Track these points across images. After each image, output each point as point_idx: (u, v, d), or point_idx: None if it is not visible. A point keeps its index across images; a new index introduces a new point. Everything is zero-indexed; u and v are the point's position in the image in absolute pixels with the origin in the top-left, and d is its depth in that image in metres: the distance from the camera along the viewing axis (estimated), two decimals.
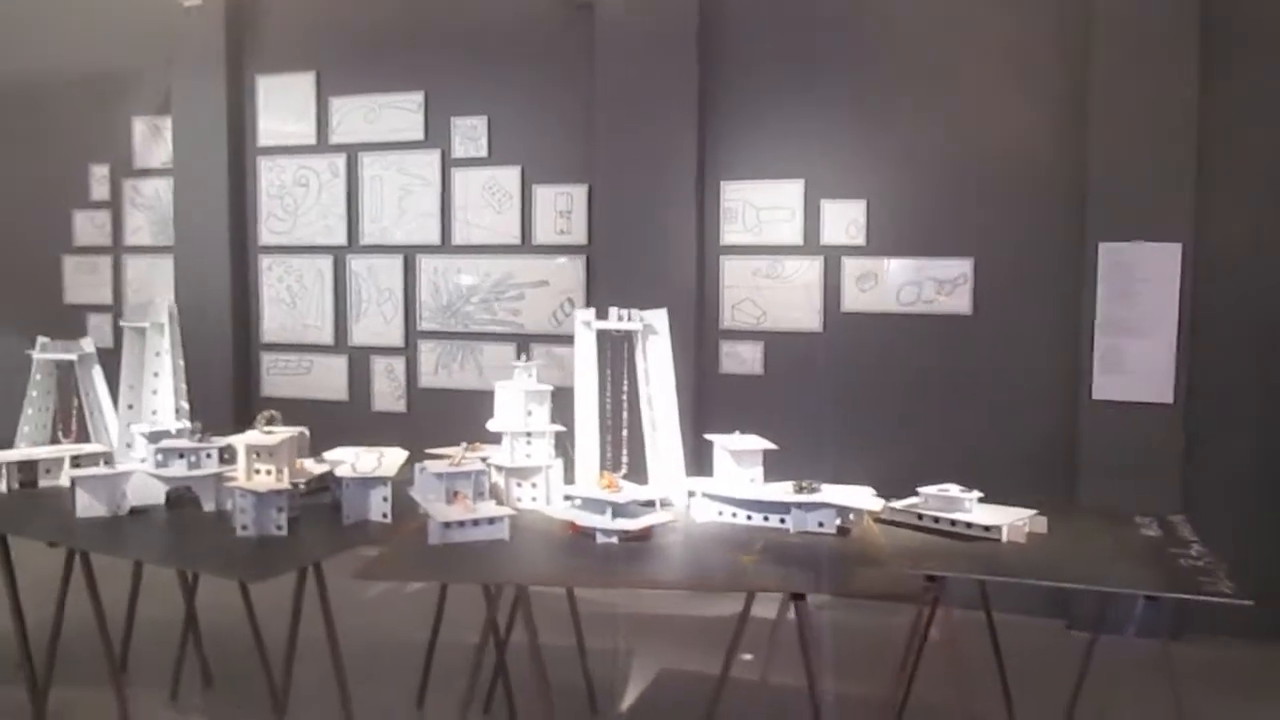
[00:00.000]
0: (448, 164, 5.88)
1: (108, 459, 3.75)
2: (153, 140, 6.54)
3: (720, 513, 3.32)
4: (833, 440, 5.15)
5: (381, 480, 3.28)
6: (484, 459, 3.44)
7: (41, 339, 4.12)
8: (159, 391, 3.75)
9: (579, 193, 5.64)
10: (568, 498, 3.26)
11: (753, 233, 5.38)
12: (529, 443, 3.42)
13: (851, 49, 5.18)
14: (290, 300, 6.25)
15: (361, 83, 6.03)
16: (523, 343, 5.80)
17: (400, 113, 5.94)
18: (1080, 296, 4.82)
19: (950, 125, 5.05)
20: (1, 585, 3.57)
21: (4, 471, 3.66)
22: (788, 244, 5.33)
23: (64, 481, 3.75)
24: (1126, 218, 4.68)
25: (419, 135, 5.92)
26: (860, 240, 5.21)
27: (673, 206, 5.38)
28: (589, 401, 3.47)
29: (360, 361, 6.12)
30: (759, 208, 5.36)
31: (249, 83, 6.28)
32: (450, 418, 5.86)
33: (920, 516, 3.29)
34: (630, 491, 3.20)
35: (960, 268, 5.07)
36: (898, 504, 3.30)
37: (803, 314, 5.31)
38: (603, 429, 3.45)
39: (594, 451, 3.43)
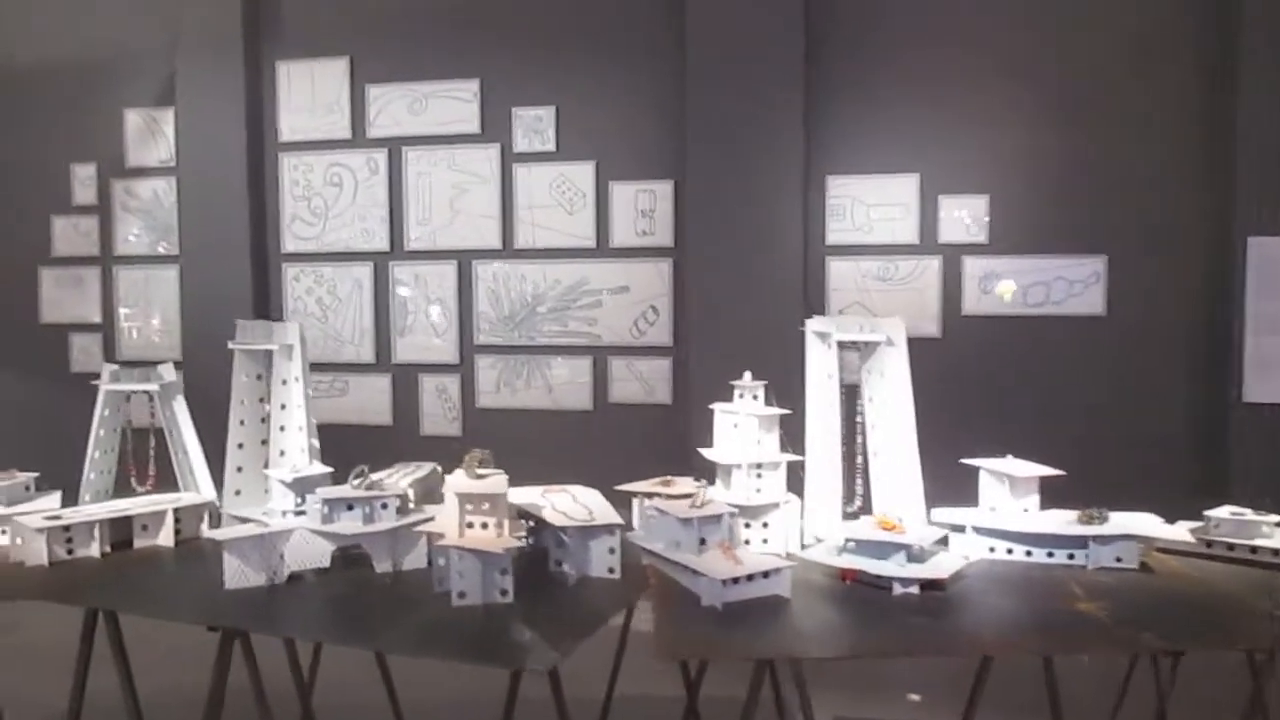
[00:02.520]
0: (509, 159, 5.29)
1: (213, 511, 3.10)
2: (149, 135, 5.73)
3: (992, 549, 2.85)
4: (952, 456, 4.74)
5: (608, 528, 2.71)
6: (669, 495, 2.95)
7: (110, 367, 3.40)
8: (286, 428, 3.08)
9: (664, 189, 5.12)
10: (848, 540, 2.74)
11: (862, 231, 4.95)
12: (759, 476, 2.89)
13: (970, 34, 4.80)
14: (321, 314, 5.55)
15: (403, 69, 5.38)
16: (599, 356, 5.24)
17: (451, 102, 5.32)
18: (1225, 294, 4.52)
19: (1078, 113, 4.72)
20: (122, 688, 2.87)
21: (96, 533, 2.95)
22: (901, 243, 4.92)
23: (163, 541, 3.06)
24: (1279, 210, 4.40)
25: (474, 128, 5.31)
26: (982, 238, 4.83)
27: (773, 204, 4.91)
28: (825, 426, 2.97)
29: (406, 381, 5.46)
30: (869, 204, 4.93)
31: (268, 70, 5.55)
32: (515, 441, 5.26)
33: (1209, 544, 2.89)
34: (919, 531, 2.71)
35: (1092, 266, 4.73)
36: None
37: (918, 318, 4.89)
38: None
39: (834, 485, 2.93)
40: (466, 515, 2.57)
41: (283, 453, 3.07)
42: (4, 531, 3.14)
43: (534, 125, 5.23)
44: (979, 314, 4.83)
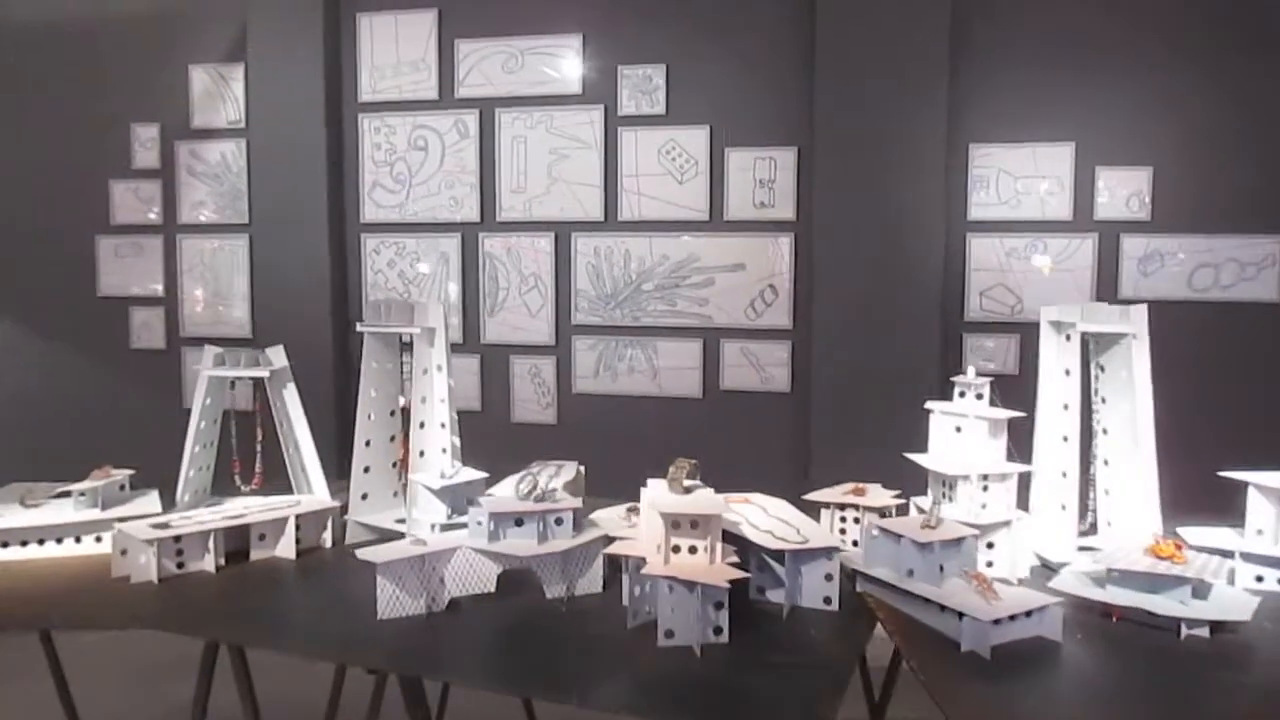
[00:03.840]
0: (613, 123, 4.83)
1: (341, 516, 2.70)
2: (217, 94, 5.30)
3: (1259, 578, 2.41)
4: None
5: (825, 552, 2.29)
6: (867, 507, 2.53)
7: (213, 349, 2.98)
8: (427, 424, 2.66)
9: (786, 158, 4.66)
10: (1111, 570, 2.29)
11: (1008, 206, 4.49)
12: (984, 489, 2.45)
13: None
14: (404, 289, 5.11)
15: (497, 23, 4.93)
16: (711, 339, 4.80)
17: (550, 59, 4.86)
18: None
19: (1253, 80, 4.22)
20: None
21: (211, 545, 2.54)
22: (1052, 219, 4.46)
23: (283, 552, 2.66)
24: None
25: (575, 88, 4.85)
26: (1144, 215, 4.36)
27: (911, 174, 4.45)
28: (1059, 432, 2.52)
29: (496, 363, 5.04)
30: (1016, 176, 4.46)
31: (348, 23, 5.10)
32: (615, 431, 4.86)
33: None
34: (1203, 561, 2.27)
35: (1267, 247, 4.26)
36: None
37: (1069, 302, 4.41)
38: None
39: (1068, 500, 2.50)
40: (673, 537, 2.14)
41: (422, 453, 2.65)
42: (97, 538, 2.74)
43: (642, 85, 4.77)
44: (1138, 298, 4.35)
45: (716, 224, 4.76)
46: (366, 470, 2.80)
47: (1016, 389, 4.62)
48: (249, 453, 3.10)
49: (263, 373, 2.97)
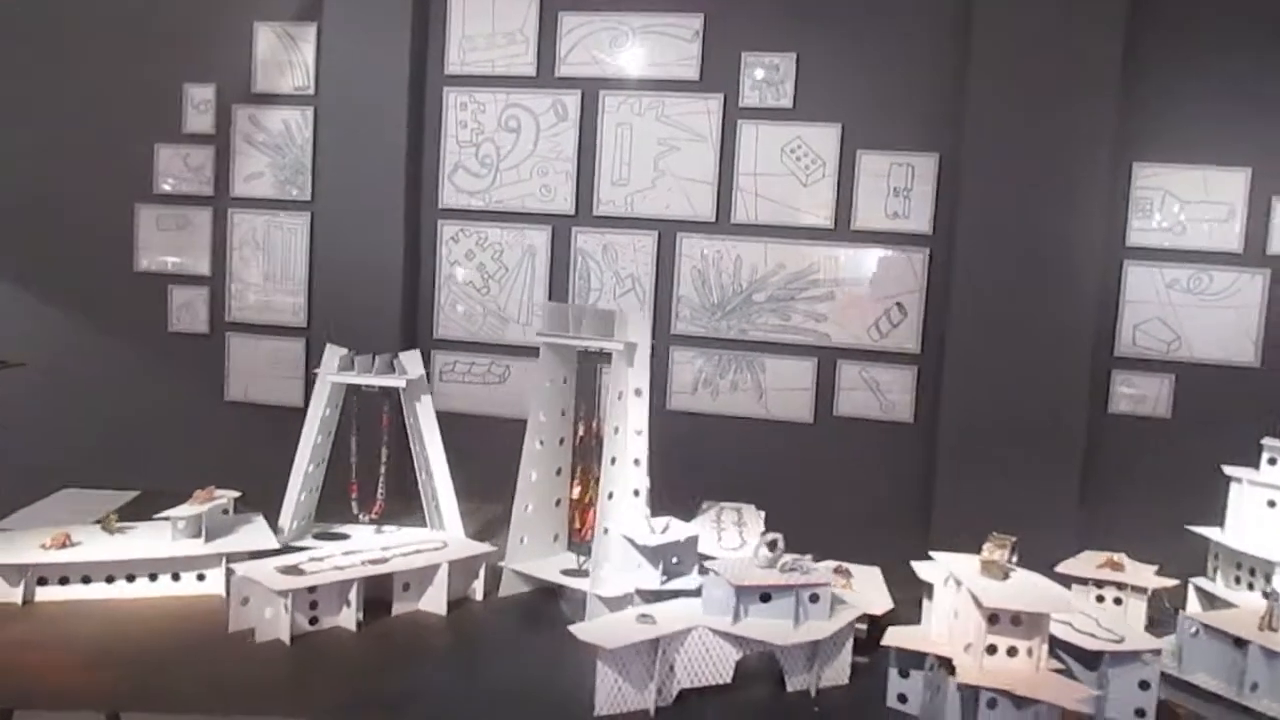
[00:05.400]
0: (732, 114, 4.37)
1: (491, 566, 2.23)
2: (284, 56, 4.78)
3: None
4: None
5: (1140, 655, 1.83)
6: (1134, 586, 2.09)
7: (337, 350, 2.48)
8: (619, 460, 2.18)
9: (925, 165, 4.21)
10: None
11: (1173, 233, 4.07)
12: None
13: None
14: (483, 284, 4.63)
15: None
16: (826, 358, 4.34)
17: (666, 40, 4.39)
18: None
19: None
20: None
21: (353, 596, 2.05)
22: (1220, 250, 4.04)
23: (430, 606, 2.17)
24: None
25: (691, 73, 4.38)
26: None
27: (1066, 191, 4.02)
28: None
29: (584, 371, 4.53)
30: (1184, 201, 4.04)
31: None
32: (712, 455, 4.39)
33: None
34: None
35: None
36: None
37: (1233, 342, 4.03)
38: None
39: None
40: (987, 634, 1.68)
41: (611, 494, 2.17)
42: (200, 575, 2.25)
43: (768, 75, 4.31)
44: None
45: (842, 233, 4.30)
46: (527, 509, 2.31)
47: (1168, 435, 4.22)
48: (370, 475, 2.60)
49: (398, 382, 2.48)
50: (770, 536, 1.94)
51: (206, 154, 4.92)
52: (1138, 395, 4.13)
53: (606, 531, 2.14)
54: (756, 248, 4.37)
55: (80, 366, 5.00)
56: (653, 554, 2.01)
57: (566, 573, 2.28)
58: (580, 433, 2.36)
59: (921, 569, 1.98)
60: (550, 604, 2.27)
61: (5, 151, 5.03)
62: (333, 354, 2.49)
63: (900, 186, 4.24)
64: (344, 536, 2.52)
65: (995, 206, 4.08)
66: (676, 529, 2.11)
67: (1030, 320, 4.07)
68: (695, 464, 4.20)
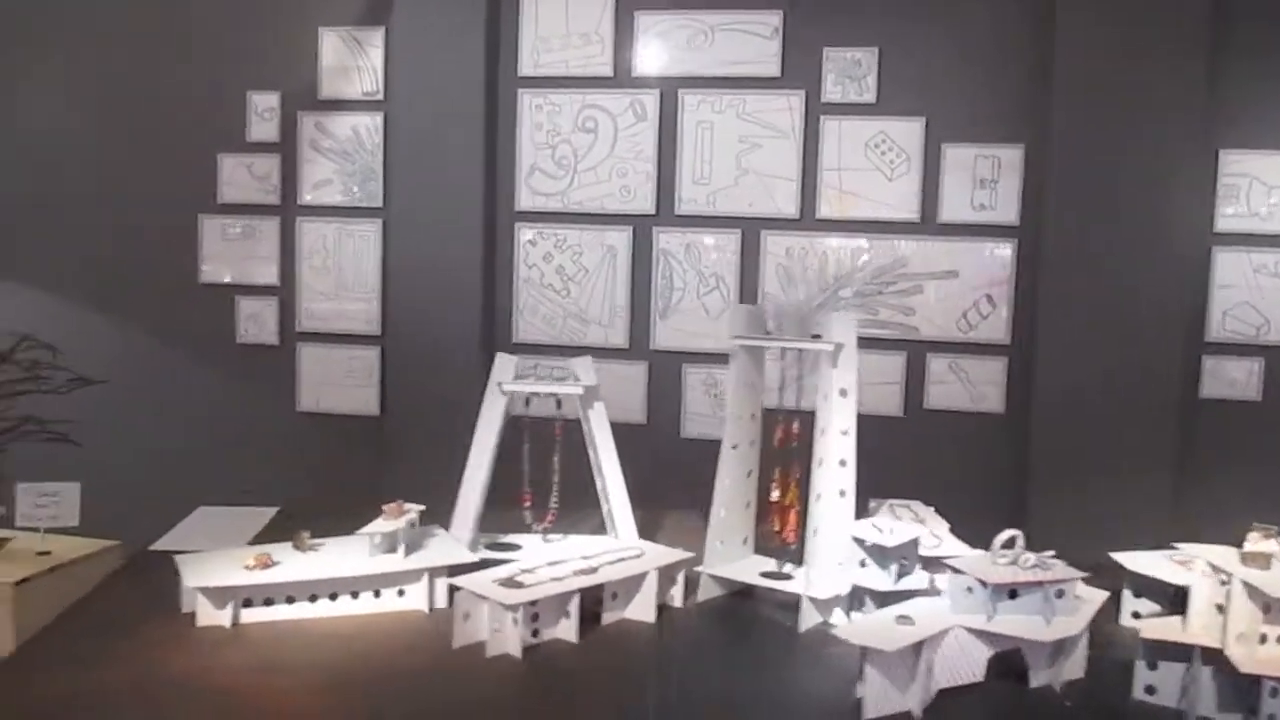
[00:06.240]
0: (814, 110, 4.37)
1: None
2: (351, 61, 4.74)
3: None
4: None
5: None
6: None
7: (507, 359, 2.46)
8: (825, 462, 2.18)
9: (1010, 156, 4.23)
10: None
11: (1259, 218, 4.11)
12: None
13: None
14: (562, 286, 4.61)
15: None
16: (916, 352, 4.36)
17: (744, 38, 4.38)
18: None
19: None
20: None
21: (572, 608, 2.04)
22: None
23: (638, 614, 2.16)
24: None
25: (773, 69, 4.38)
26: None
27: (1154, 179, 4.05)
28: None
29: (666, 371, 4.55)
30: (1270, 186, 4.07)
31: None
32: (801, 449, 4.38)
33: None
34: None
35: None
36: None
37: None
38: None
39: None
40: (1260, 624, 1.68)
41: (819, 496, 2.16)
42: (400, 591, 2.22)
43: (849, 70, 4.31)
44: None
45: (929, 226, 4.32)
46: (724, 514, 2.30)
47: (1259, 417, 4.26)
48: (543, 483, 2.58)
49: (576, 389, 2.46)
50: (1009, 534, 1.94)
51: (272, 162, 4.86)
52: (1226, 379, 4.17)
53: (816, 533, 2.13)
54: (842, 243, 4.38)
55: (148, 381, 4.93)
56: (887, 554, 2.01)
57: (766, 575, 2.27)
58: (779, 435, 2.35)
59: (1142, 559, 1.99)
60: (751, 606, 2.26)
61: (65, 165, 4.94)
62: (505, 362, 2.46)
63: (986, 178, 4.26)
64: (515, 547, 2.50)
65: (1082, 196, 4.10)
66: (905, 529, 2.11)
67: (1121, 307, 4.10)
68: (781, 459, 4.20)
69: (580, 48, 4.53)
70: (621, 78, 4.52)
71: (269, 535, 2.39)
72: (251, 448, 4.88)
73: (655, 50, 4.47)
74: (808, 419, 2.21)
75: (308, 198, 4.83)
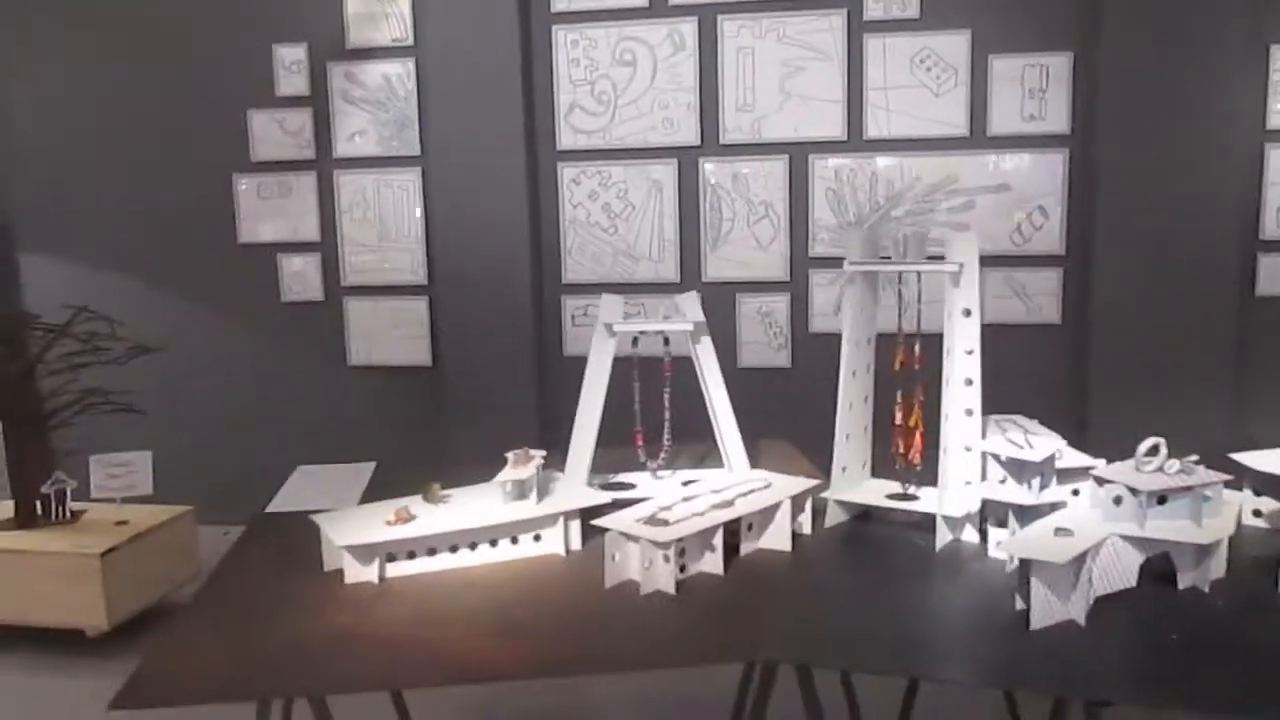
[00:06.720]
0: (856, 29, 4.31)
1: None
2: (377, 8, 4.65)
3: None
4: None
5: None
6: None
7: (613, 299, 2.47)
8: (951, 380, 2.20)
9: (1059, 65, 4.19)
10: None
11: None
12: None
13: None
14: (609, 224, 4.58)
15: None
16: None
17: None
18: None
19: None
20: None
21: (717, 542, 2.08)
22: None
23: (774, 543, 2.20)
24: None
25: None
26: None
27: (1202, 79, 4.01)
28: None
29: (720, 301, 4.55)
30: None
31: None
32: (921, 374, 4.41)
33: None
34: None
35: None
36: None
37: None
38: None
39: None
40: None
41: (948, 415, 2.19)
42: (536, 536, 2.25)
43: None
44: None
45: (978, 140, 4.29)
46: (848, 438, 2.33)
47: None
48: (654, 422, 2.60)
49: (684, 326, 2.47)
50: (1152, 442, 1.96)
51: (304, 116, 4.80)
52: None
53: (946, 452, 2.16)
54: (892, 163, 4.35)
55: (198, 346, 4.93)
56: (1027, 469, 2.04)
57: (892, 497, 2.31)
58: (900, 358, 2.36)
59: (1262, 458, 2.03)
60: (878, 529, 2.30)
61: (93, 133, 4.87)
62: (612, 302, 2.47)
63: (1035, 88, 4.22)
64: (630, 485, 2.52)
65: (1133, 100, 4.08)
66: (1047, 442, 2.14)
67: (1177, 211, 4.10)
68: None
69: None
70: (658, 7, 4.45)
71: (380, 490, 2.41)
72: (308, 404, 4.89)
73: None
74: (927, 341, 2.22)
75: (343, 150, 4.77)
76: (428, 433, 4.62)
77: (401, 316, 4.78)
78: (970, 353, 2.18)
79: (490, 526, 2.20)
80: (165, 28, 4.75)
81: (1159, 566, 1.94)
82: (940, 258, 2.18)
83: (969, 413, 2.18)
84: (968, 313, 2.17)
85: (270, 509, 2.58)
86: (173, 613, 3.85)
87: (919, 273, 2.33)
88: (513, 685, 1.67)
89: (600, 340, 2.47)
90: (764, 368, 4.54)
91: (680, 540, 2.03)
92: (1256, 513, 2.22)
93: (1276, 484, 2.19)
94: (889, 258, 2.32)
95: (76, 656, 3.62)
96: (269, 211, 4.85)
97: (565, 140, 4.57)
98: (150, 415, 4.12)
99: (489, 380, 4.51)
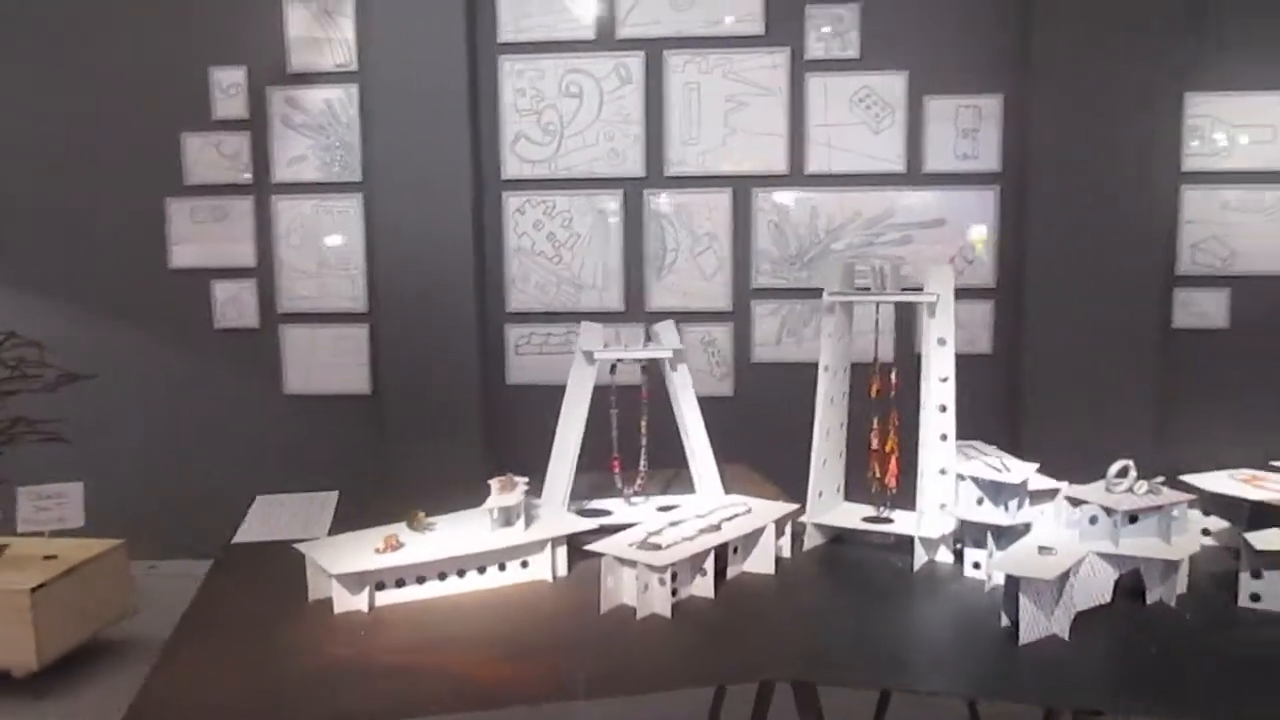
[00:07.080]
0: (799, 68, 4.45)
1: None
2: (320, 32, 4.61)
3: None
4: None
5: None
6: None
7: (592, 326, 2.51)
8: (927, 405, 2.29)
9: (990, 105, 4.39)
10: None
11: (1222, 157, 4.35)
12: None
13: None
14: (553, 253, 4.61)
15: None
16: None
17: None
18: None
19: None
20: None
21: (709, 567, 2.12)
22: (1267, 169, 4.35)
23: (759, 567, 2.26)
24: None
25: (757, 28, 4.44)
26: None
27: (1124, 123, 4.25)
28: None
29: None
30: (1232, 125, 4.33)
31: None
32: (800, 403, 4.49)
33: None
34: None
35: None
36: None
37: None
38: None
39: None
40: None
41: (944, 436, 2.27)
42: (523, 563, 2.25)
43: (833, 25, 4.40)
44: None
45: (914, 177, 4.46)
46: (824, 463, 2.40)
47: (1226, 345, 4.55)
48: (631, 449, 2.63)
49: (664, 353, 2.51)
50: (1121, 464, 2.07)
51: (241, 140, 4.71)
52: (1197, 311, 4.43)
53: (922, 476, 2.23)
54: (832, 197, 4.48)
55: (127, 372, 4.76)
56: (1004, 491, 2.13)
57: (868, 519, 2.37)
58: (876, 386, 2.44)
59: (1211, 480, 2.15)
60: (854, 551, 2.36)
61: (21, 153, 4.70)
62: (591, 330, 2.50)
63: (969, 127, 4.40)
64: (607, 512, 2.55)
65: (1060, 141, 4.29)
66: (1020, 467, 2.23)
67: (1101, 247, 4.31)
68: (782, 414, 4.30)
69: (561, 12, 4.51)
70: (605, 41, 4.51)
71: (348, 520, 2.38)
72: (243, 432, 4.77)
73: (638, 12, 4.46)
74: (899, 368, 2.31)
75: (282, 175, 4.69)
76: (367, 461, 4.55)
77: (341, 345, 4.71)
78: (945, 380, 2.27)
79: (480, 553, 2.19)
80: (98, 48, 4.62)
81: (1128, 582, 2.05)
82: (918, 288, 2.26)
83: (944, 437, 2.26)
84: (942, 341, 2.26)
85: (237, 540, 2.52)
86: (108, 650, 3.70)
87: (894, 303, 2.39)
88: (489, 711, 1.66)
89: (579, 368, 2.49)
90: (707, 396, 4.55)
91: (673, 564, 2.06)
92: (1205, 531, 2.35)
93: (1225, 504, 2.32)
94: (868, 288, 2.39)
95: (3, 699, 3.44)
96: (202, 235, 4.74)
97: (511, 169, 4.58)
98: (77, 444, 3.97)
99: (431, 409, 4.47)
